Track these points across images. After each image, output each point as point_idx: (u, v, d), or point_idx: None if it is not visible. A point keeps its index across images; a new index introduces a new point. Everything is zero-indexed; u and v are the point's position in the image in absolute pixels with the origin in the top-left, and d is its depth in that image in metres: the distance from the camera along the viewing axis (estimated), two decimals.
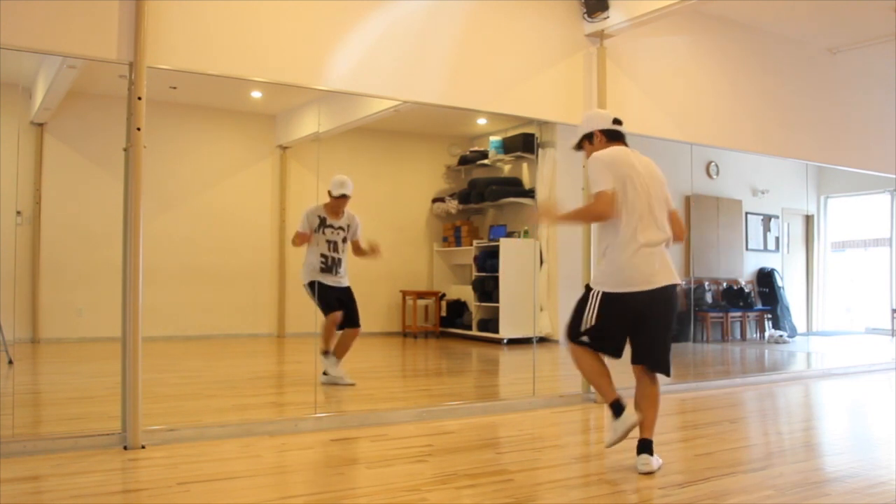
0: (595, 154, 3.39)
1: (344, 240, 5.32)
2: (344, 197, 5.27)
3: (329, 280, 5.28)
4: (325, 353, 5.26)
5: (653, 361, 3.38)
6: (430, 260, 8.88)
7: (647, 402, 3.36)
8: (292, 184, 7.98)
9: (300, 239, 5.30)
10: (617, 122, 3.50)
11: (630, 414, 3.33)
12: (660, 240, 3.32)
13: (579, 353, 3.46)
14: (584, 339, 3.40)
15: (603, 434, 4.39)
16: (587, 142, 3.52)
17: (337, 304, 5.27)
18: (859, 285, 9.52)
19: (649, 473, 3.20)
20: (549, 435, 4.14)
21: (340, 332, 5.29)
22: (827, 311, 9.40)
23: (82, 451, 3.45)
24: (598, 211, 3.28)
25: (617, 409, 3.36)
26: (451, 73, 4.78)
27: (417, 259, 8.74)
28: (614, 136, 3.47)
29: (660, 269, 3.29)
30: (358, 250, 5.37)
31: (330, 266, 5.27)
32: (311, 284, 5.27)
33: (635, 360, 3.43)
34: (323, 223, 5.28)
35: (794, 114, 6.59)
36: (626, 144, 3.49)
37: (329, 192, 5.28)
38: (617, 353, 3.48)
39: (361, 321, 5.37)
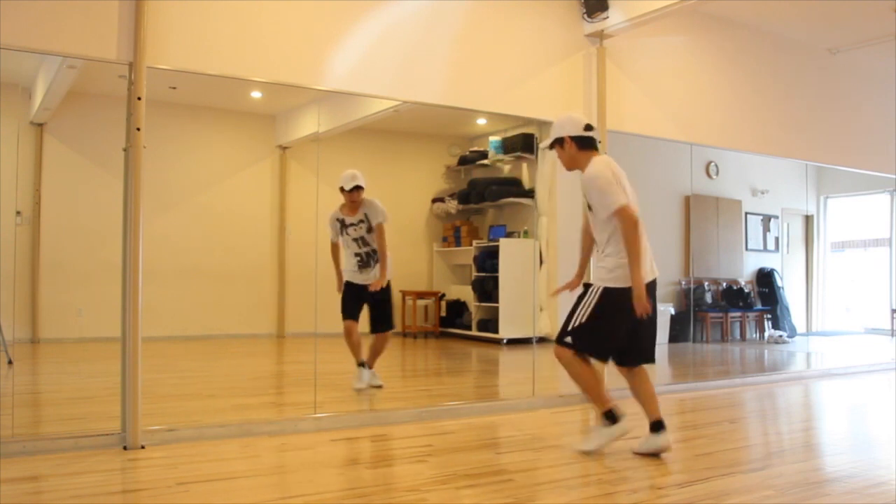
0: (597, 170, 3.40)
1: (369, 230, 5.12)
2: (356, 189, 5.06)
3: (360, 278, 5.15)
4: (359, 364, 5.13)
5: (649, 356, 3.55)
6: (430, 260, 8.88)
7: (648, 393, 3.55)
8: (292, 184, 7.98)
9: (332, 249, 5.25)
10: (589, 128, 3.53)
11: (624, 424, 3.47)
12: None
13: (568, 358, 3.47)
14: (568, 339, 3.43)
15: None
16: (558, 146, 3.56)
17: (354, 306, 5.12)
18: (859, 285, 9.52)
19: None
20: (548, 435, 4.14)
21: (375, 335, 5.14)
22: (827, 311, 9.40)
23: (82, 452, 3.45)
24: (634, 228, 3.30)
25: (612, 417, 3.48)
26: (451, 73, 4.78)
27: (417, 259, 8.74)
28: (585, 144, 3.50)
29: (652, 262, 3.48)
30: (380, 240, 5.13)
31: (367, 261, 5.14)
32: (346, 285, 5.21)
33: (637, 361, 3.54)
34: (343, 224, 5.18)
35: (794, 114, 6.59)
36: (597, 150, 3.54)
37: (341, 189, 5.13)
38: (606, 355, 3.58)
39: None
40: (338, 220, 5.19)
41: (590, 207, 3.48)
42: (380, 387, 5.18)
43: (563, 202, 7.17)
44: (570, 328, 3.45)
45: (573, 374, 3.50)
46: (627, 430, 3.50)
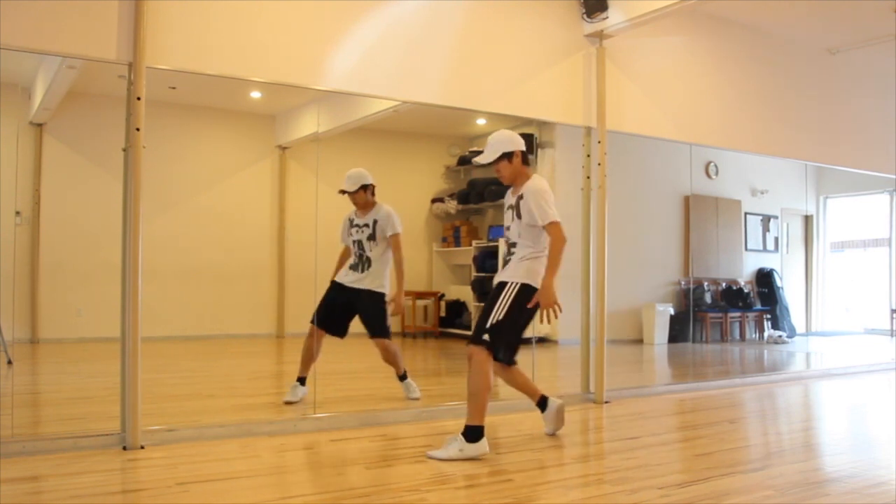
0: (543, 185, 3.75)
1: (370, 237, 4.81)
2: (361, 190, 4.79)
3: (347, 278, 4.87)
4: (298, 379, 4.71)
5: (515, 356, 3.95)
6: (430, 260, 8.87)
7: (525, 379, 4.01)
8: (292, 184, 7.98)
9: (341, 253, 5.01)
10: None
11: (485, 445, 3.48)
12: None
13: (483, 358, 3.58)
14: (486, 337, 3.59)
15: (602, 434, 4.39)
16: (506, 160, 3.78)
17: (327, 313, 4.80)
18: (858, 286, 9.53)
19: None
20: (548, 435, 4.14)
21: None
22: (826, 311, 9.41)
23: (82, 452, 3.45)
24: (563, 242, 3.64)
25: (478, 435, 3.47)
26: (450, 73, 4.78)
27: (417, 259, 8.73)
28: (526, 159, 3.86)
29: None
30: (396, 253, 4.84)
31: (358, 265, 4.86)
32: (332, 283, 4.93)
33: (514, 358, 3.91)
34: (351, 224, 4.95)
35: (793, 114, 6.59)
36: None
37: (343, 192, 4.86)
38: (516, 350, 3.89)
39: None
40: (349, 219, 4.95)
41: (518, 215, 3.73)
42: (417, 399, 4.90)
43: (561, 202, 7.17)
44: (487, 325, 3.60)
45: (477, 375, 3.53)
46: (486, 452, 3.47)
